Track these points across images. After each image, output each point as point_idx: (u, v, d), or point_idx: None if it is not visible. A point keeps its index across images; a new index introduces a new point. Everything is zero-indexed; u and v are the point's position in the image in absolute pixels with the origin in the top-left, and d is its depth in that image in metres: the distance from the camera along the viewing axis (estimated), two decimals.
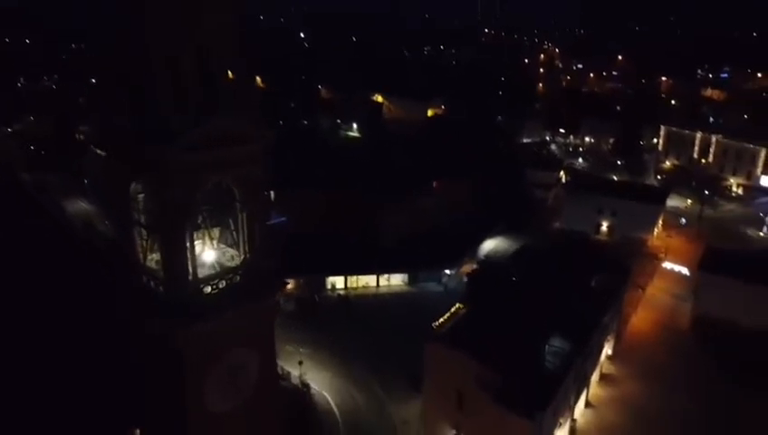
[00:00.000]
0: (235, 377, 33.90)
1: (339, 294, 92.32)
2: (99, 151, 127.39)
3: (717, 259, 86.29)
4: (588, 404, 69.19)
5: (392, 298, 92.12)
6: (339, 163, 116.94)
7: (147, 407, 38.87)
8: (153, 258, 32.91)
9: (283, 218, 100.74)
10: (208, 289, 31.80)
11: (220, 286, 32.18)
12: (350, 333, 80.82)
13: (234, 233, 33.70)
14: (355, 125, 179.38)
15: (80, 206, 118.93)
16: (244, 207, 32.56)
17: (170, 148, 28.14)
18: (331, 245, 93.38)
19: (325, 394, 70.54)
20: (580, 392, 66.67)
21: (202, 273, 32.39)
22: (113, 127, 30.49)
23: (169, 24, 27.49)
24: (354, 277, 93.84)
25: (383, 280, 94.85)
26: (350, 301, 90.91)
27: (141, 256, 32.63)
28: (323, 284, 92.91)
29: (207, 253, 33.87)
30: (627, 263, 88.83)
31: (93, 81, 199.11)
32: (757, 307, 77.46)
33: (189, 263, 30.58)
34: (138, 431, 53.34)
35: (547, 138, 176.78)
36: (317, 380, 72.29)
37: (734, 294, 79.21)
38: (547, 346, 59.07)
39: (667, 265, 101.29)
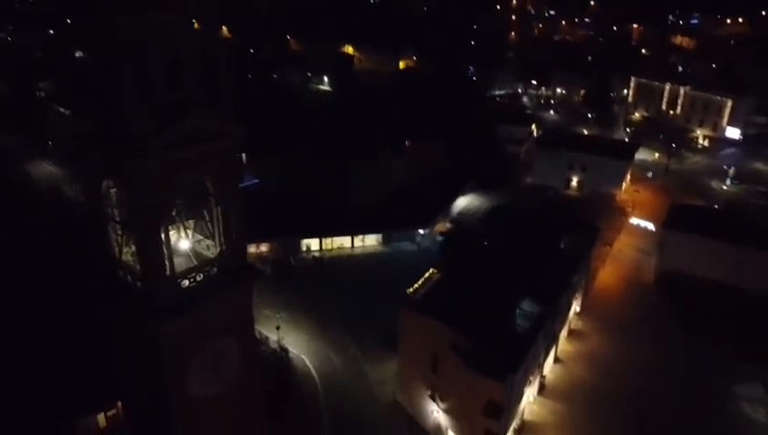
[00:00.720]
0: (216, 364, 34.62)
1: (314, 256, 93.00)
2: (62, 110, 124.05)
3: (681, 216, 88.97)
4: (557, 360, 72.03)
5: (367, 259, 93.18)
6: (311, 122, 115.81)
7: (129, 387, 39.58)
8: (129, 251, 32.85)
9: (255, 181, 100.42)
10: (186, 283, 32.03)
11: (198, 279, 32.44)
12: (325, 294, 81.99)
13: (209, 225, 33.68)
14: (326, 78, 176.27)
15: (45, 169, 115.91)
16: (218, 202, 32.49)
17: (143, 151, 27.53)
18: (306, 206, 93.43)
19: (303, 357, 72.06)
20: (550, 350, 69.26)
21: (179, 265, 32.49)
22: (84, 128, 29.82)
23: (145, 23, 26.71)
24: (329, 239, 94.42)
25: (358, 241, 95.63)
26: (325, 262, 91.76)
27: (117, 250, 32.57)
28: (298, 246, 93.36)
29: (184, 245, 33.89)
30: (596, 220, 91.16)
31: (51, 32, 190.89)
32: (718, 262, 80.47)
33: (166, 258, 30.67)
34: (119, 404, 54.59)
35: (519, 90, 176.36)
36: (294, 343, 73.68)
37: (696, 249, 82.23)
38: (518, 310, 60.91)
39: (634, 220, 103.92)
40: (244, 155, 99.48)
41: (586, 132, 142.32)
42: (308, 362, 71.32)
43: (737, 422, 63.37)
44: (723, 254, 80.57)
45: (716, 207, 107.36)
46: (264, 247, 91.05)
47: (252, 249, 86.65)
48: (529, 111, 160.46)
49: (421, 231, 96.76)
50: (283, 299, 78.88)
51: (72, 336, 59.12)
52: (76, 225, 79.48)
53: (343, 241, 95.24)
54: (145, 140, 27.06)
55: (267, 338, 72.17)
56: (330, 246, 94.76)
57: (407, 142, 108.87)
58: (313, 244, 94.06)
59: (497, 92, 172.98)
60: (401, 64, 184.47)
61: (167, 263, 30.70)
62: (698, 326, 75.78)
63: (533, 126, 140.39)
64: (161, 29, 27.17)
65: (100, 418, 56.19)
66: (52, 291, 67.95)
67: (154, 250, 29.86)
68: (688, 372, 69.59)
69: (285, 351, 71.87)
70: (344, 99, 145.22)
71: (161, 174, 28.46)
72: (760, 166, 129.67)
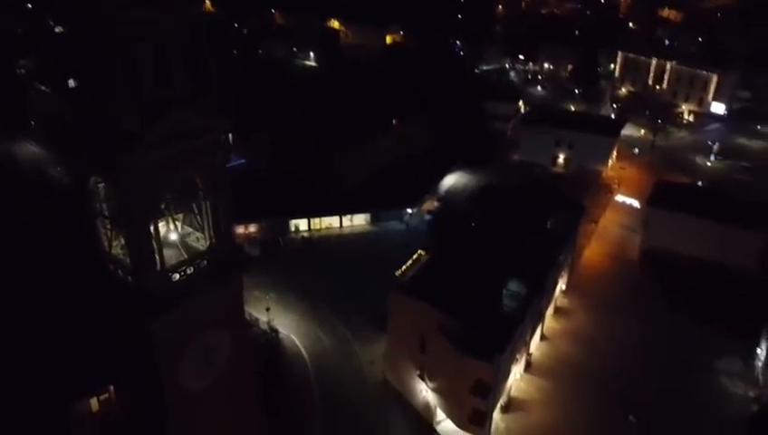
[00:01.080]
0: (208, 355, 34.95)
1: (303, 237, 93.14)
2: (43, 88, 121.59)
3: (665, 194, 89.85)
4: (543, 337, 73.28)
5: (356, 238, 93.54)
6: (298, 100, 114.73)
7: (123, 377, 39.90)
8: (119, 244, 32.78)
9: (241, 161, 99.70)
10: (177, 276, 32.13)
11: (188, 273, 32.53)
12: (314, 275, 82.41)
13: (198, 218, 33.65)
14: (312, 54, 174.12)
15: (29, 150, 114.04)
16: (207, 196, 32.43)
17: (132, 148, 27.30)
18: (294, 187, 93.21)
19: (293, 338, 72.73)
20: (536, 328, 70.36)
21: (170, 259, 32.51)
22: (69, 127, 29.50)
23: (129, 22, 26.30)
24: (317, 219, 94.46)
25: (346, 221, 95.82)
26: (314, 243, 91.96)
27: (106, 244, 32.50)
28: (287, 226, 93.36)
29: (175, 239, 33.83)
30: (582, 197, 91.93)
31: (30, 6, 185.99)
32: (702, 239, 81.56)
33: (156, 253, 30.68)
34: (112, 388, 54.99)
35: (506, 65, 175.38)
36: (284, 324, 74.24)
37: (680, 227, 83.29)
38: (504, 290, 61.64)
39: (620, 198, 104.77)
40: (230, 135, 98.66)
41: (573, 108, 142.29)
42: (298, 343, 72.01)
43: (718, 397, 65.07)
44: (706, 231, 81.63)
45: (700, 183, 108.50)
46: (252, 228, 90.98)
47: (240, 230, 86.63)
48: (516, 86, 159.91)
49: (409, 210, 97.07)
50: (272, 280, 79.22)
51: (64, 321, 59.09)
52: (65, 209, 78.91)
53: (332, 221, 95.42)
54: (134, 137, 26.86)
55: (257, 319, 72.61)
56: (318, 227, 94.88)
57: (393, 121, 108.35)
58: (302, 224, 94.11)
59: (485, 67, 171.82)
60: (388, 39, 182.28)
61: (157, 257, 30.76)
62: (682, 303, 77.08)
63: (521, 102, 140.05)
64: (157, 27, 26.75)
65: (93, 402, 56.51)
66: (43, 276, 67.61)
67: (144, 245, 29.90)
68: (672, 348, 71.03)
69: (275, 331, 72.43)
70: (330, 75, 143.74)
71: (151, 171, 28.31)
72: (743, 141, 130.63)
